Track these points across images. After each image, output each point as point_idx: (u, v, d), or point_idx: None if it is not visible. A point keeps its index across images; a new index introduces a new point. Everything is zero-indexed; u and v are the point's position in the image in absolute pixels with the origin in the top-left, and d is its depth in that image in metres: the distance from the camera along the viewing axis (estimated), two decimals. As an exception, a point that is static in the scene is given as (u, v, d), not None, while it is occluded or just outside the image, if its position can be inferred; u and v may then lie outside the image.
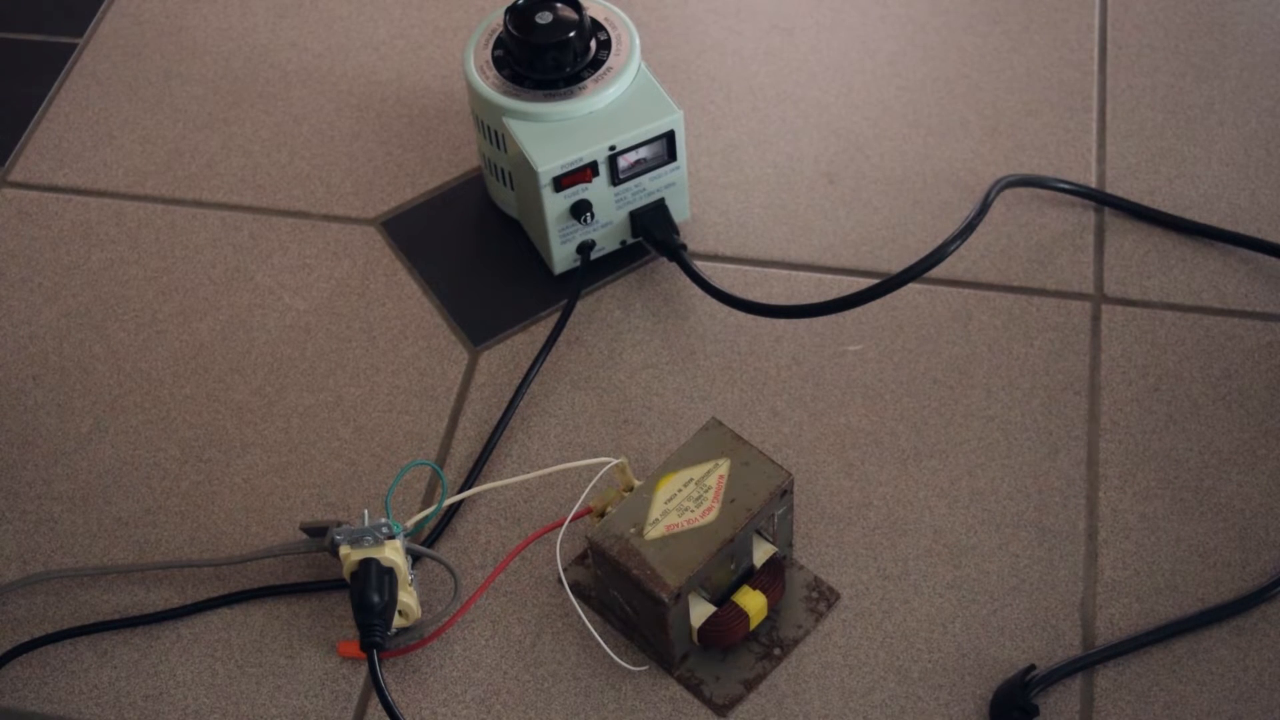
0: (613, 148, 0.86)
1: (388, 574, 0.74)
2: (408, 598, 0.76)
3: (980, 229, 0.92)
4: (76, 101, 1.05)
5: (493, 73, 0.88)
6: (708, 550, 0.72)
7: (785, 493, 0.75)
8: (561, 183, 0.85)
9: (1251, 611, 0.76)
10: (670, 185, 0.89)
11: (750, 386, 0.86)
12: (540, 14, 0.87)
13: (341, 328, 0.91)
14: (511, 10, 0.88)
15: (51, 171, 1.00)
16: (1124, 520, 0.80)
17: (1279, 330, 0.87)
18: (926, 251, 0.86)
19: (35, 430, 0.87)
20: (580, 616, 0.78)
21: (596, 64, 0.88)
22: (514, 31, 0.87)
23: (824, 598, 0.78)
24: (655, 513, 0.73)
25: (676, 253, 0.89)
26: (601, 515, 0.77)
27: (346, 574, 0.75)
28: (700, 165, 0.97)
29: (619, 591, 0.74)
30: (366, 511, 0.78)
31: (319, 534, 0.78)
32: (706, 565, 0.72)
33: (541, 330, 0.90)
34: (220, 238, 0.96)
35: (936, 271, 0.90)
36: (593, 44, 0.88)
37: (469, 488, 0.82)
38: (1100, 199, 0.93)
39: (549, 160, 0.85)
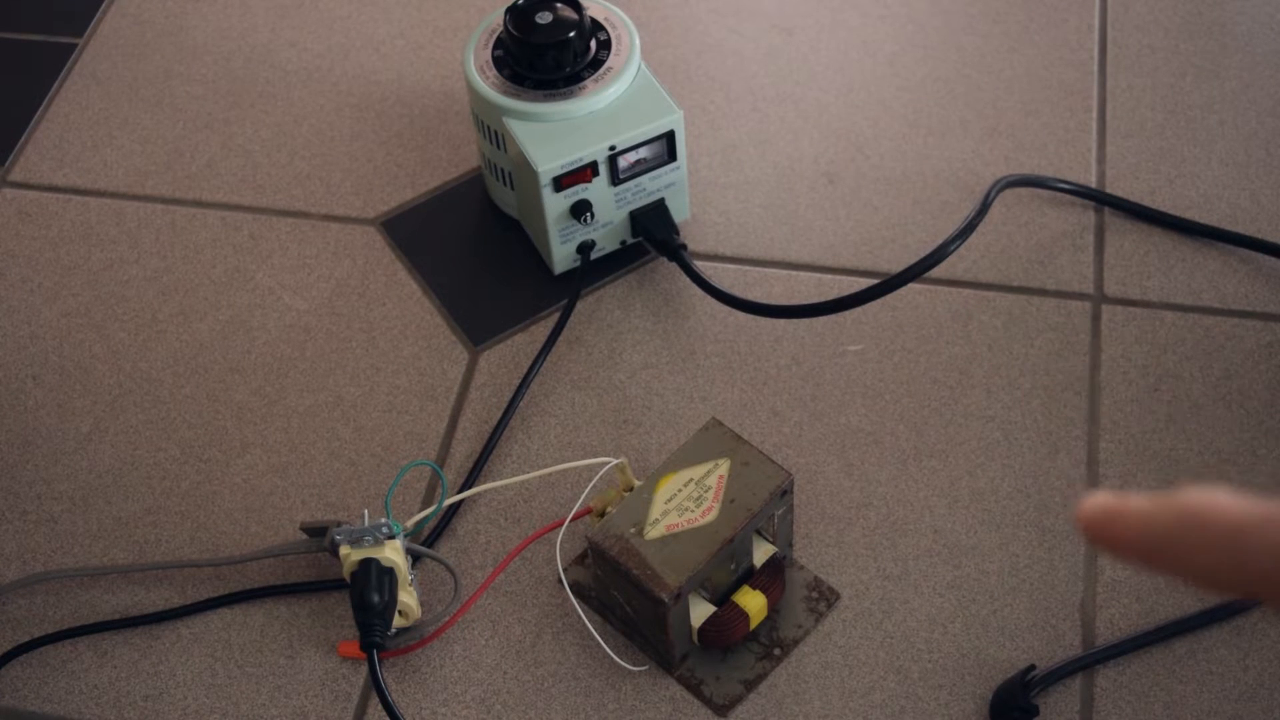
0: (613, 148, 0.86)
1: (388, 574, 0.74)
2: (408, 598, 0.76)
3: (980, 229, 0.92)
4: (76, 101, 1.04)
5: (493, 73, 0.88)
6: (708, 550, 0.72)
7: (785, 493, 0.75)
8: (561, 183, 0.85)
9: (1251, 611, 0.76)
10: (670, 185, 0.89)
11: (750, 386, 0.86)
12: (540, 14, 0.87)
13: (341, 328, 0.91)
14: (511, 10, 0.88)
15: (51, 171, 1.00)
16: (1124, 520, 0.80)
17: (1279, 330, 0.87)
18: (926, 251, 0.86)
19: (35, 430, 0.87)
20: (580, 616, 0.78)
21: (596, 64, 0.88)
22: (514, 31, 0.87)
23: (824, 598, 0.78)
24: (655, 513, 0.73)
25: (676, 253, 0.89)
26: (601, 515, 0.77)
27: (346, 574, 0.75)
28: (700, 165, 0.97)
29: (619, 591, 0.74)
30: (366, 511, 0.78)
31: (319, 534, 0.78)
32: (706, 565, 0.72)
33: (541, 330, 0.90)
34: (220, 238, 0.96)
35: (936, 271, 0.90)
36: (593, 44, 0.88)
37: (469, 488, 0.82)
38: (1100, 199, 0.93)
39: (549, 160, 0.85)
